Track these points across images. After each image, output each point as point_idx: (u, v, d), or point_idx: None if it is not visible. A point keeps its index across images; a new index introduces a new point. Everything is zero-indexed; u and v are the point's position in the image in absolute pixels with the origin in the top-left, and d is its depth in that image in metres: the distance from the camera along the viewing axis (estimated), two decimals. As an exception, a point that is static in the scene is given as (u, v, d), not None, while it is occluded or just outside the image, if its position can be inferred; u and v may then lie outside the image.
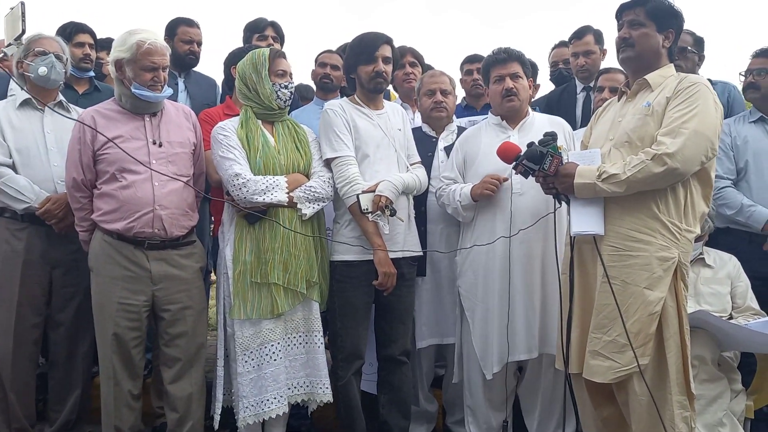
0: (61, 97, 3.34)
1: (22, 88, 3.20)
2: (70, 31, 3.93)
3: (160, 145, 3.00)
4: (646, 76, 2.65)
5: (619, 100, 2.79)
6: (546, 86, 5.65)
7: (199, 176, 3.20)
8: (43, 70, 3.13)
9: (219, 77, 4.40)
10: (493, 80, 3.23)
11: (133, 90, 2.95)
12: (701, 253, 3.33)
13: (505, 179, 3.08)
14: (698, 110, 2.46)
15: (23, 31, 2.59)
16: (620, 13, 2.71)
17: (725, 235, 3.59)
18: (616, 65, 3.76)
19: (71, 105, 3.38)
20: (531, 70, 3.31)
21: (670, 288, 2.50)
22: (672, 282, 2.51)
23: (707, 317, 3.00)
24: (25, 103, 3.22)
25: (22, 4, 2.54)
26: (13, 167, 3.13)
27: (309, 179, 3.10)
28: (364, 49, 3.19)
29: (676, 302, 2.52)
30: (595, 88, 3.82)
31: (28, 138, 3.17)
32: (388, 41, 3.22)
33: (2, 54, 2.69)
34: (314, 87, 4.48)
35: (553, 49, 5.08)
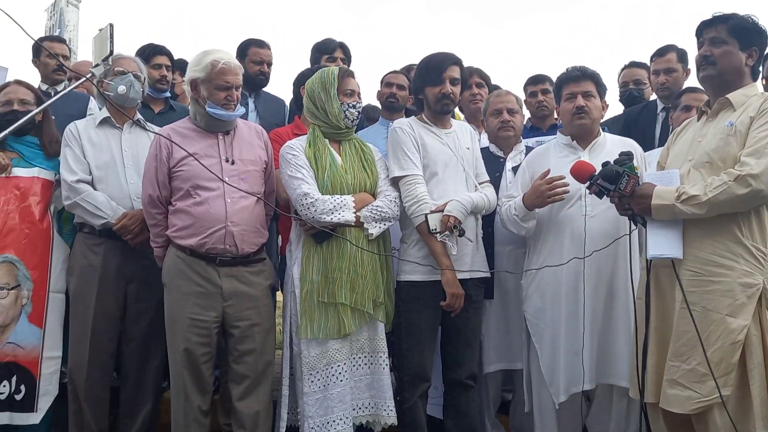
0: (139, 116, 3.43)
1: (100, 108, 3.31)
2: (149, 53, 4.06)
3: (233, 163, 3.05)
4: (728, 95, 2.56)
5: (699, 120, 2.70)
6: (615, 107, 5.54)
7: (270, 194, 3.23)
8: (122, 88, 3.24)
9: (286, 97, 4.49)
10: (565, 98, 3.17)
11: (207, 109, 3.01)
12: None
13: (561, 177, 2.96)
14: None
15: (111, 52, 2.65)
16: (701, 30, 2.62)
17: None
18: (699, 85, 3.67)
19: (148, 123, 3.47)
20: (604, 90, 3.23)
21: (754, 316, 2.39)
22: (756, 310, 2.39)
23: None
24: (104, 122, 3.32)
25: (111, 25, 2.59)
26: (91, 183, 3.22)
27: (375, 198, 3.10)
28: (432, 70, 3.18)
29: (761, 331, 2.40)
30: (673, 106, 3.71)
31: (106, 155, 3.26)
32: (457, 62, 3.20)
33: (90, 74, 2.78)
34: (380, 107, 4.50)
35: (623, 69, 4.97)
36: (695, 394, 2.41)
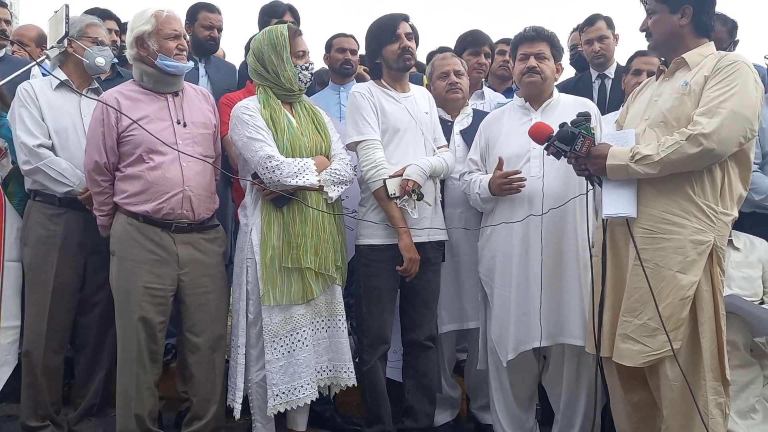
0: (96, 84, 3.27)
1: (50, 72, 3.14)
2: (98, 18, 3.88)
3: (185, 126, 2.98)
4: (683, 55, 2.59)
5: (656, 79, 2.74)
6: (567, 71, 5.60)
7: (216, 159, 3.16)
8: (100, 60, 3.09)
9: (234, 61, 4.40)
10: (518, 58, 3.17)
11: (159, 62, 2.91)
12: (729, 236, 3.26)
13: (518, 172, 3.01)
14: (737, 89, 2.40)
15: (66, 33, 2.62)
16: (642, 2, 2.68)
17: (750, 219, 3.49)
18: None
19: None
20: (560, 53, 3.24)
21: (705, 272, 2.46)
22: (707, 266, 2.46)
23: (739, 302, 2.96)
24: (62, 85, 3.12)
25: (66, 6, 2.59)
26: (51, 148, 3.06)
27: (329, 161, 3.07)
28: (385, 29, 3.17)
29: (712, 287, 2.47)
30: (626, 70, 3.76)
31: (65, 120, 3.11)
32: (405, 18, 3.20)
33: (45, 56, 2.73)
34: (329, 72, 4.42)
35: (571, 33, 5.04)
36: (646, 348, 2.48)
